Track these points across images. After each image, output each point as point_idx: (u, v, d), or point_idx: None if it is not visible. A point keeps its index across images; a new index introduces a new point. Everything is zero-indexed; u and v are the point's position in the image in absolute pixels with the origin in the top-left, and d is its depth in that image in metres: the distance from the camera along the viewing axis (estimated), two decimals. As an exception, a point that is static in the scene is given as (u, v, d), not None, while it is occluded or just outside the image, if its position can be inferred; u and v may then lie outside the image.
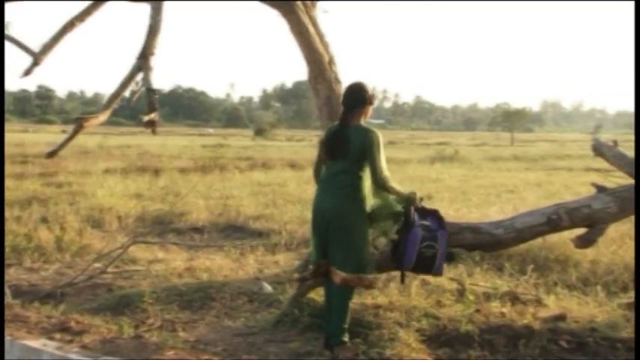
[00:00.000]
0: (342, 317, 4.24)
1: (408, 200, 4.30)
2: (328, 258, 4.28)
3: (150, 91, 6.32)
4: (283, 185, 14.75)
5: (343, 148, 4.23)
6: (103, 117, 6.67)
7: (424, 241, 4.22)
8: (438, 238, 4.26)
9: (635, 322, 4.23)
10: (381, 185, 4.22)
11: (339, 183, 4.24)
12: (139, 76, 6.51)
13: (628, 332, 4.44)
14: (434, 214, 4.41)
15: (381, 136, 4.27)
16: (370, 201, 4.29)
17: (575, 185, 14.46)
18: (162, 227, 9.53)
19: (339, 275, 4.17)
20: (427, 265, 4.26)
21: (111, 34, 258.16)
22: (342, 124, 4.32)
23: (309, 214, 10.11)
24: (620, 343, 4.27)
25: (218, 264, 6.94)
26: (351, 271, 4.16)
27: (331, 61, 6.64)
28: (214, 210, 10.70)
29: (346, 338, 4.22)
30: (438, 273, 4.37)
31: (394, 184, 4.27)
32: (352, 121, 4.31)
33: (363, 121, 4.36)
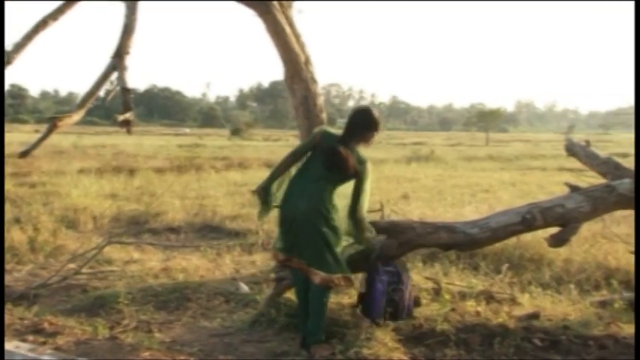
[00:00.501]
0: (320, 316, 4.26)
1: (369, 247, 4.44)
2: (297, 256, 4.28)
3: (125, 90, 6.27)
4: (259, 185, 14.69)
5: (344, 165, 4.27)
6: (77, 116, 6.60)
7: (390, 285, 4.42)
8: (401, 281, 4.47)
9: (635, 322, 4.27)
10: (356, 218, 4.33)
11: (318, 187, 4.27)
12: (114, 76, 6.45)
13: (600, 330, 4.51)
14: (396, 264, 4.61)
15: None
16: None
17: (549, 185, 14.64)
18: (137, 227, 9.46)
19: (318, 275, 4.18)
20: (395, 306, 4.41)
21: (85, 32, 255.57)
22: (343, 143, 4.34)
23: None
24: (592, 341, 4.33)
25: (194, 264, 6.90)
26: (330, 271, 4.19)
27: (307, 61, 6.64)
28: (190, 210, 10.65)
29: (323, 337, 4.23)
30: (408, 316, 4.53)
31: (367, 225, 4.40)
32: (352, 143, 4.36)
33: (361, 147, 4.41)
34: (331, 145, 4.32)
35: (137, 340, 4.45)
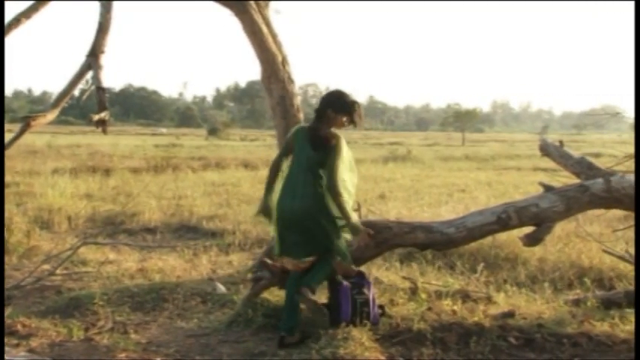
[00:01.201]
0: (318, 280, 4.38)
1: (353, 229, 4.40)
2: (292, 255, 4.37)
3: (100, 89, 6.22)
4: (237, 185, 14.70)
5: (324, 137, 4.33)
6: (51, 116, 6.53)
7: (354, 289, 4.55)
8: (365, 286, 4.61)
9: (635, 323, 4.32)
10: (333, 194, 4.29)
11: (307, 184, 4.31)
12: (89, 75, 6.40)
13: (573, 328, 4.56)
14: (359, 274, 4.73)
15: (345, 146, 4.34)
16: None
17: (524, 185, 14.79)
18: (113, 228, 9.39)
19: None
20: (362, 311, 4.50)
21: (60, 31, 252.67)
22: (313, 128, 4.40)
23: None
24: (566, 339, 4.39)
25: (171, 265, 6.87)
26: (340, 255, 4.37)
27: (284, 61, 6.64)
28: (167, 210, 10.59)
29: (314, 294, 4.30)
30: (375, 323, 4.56)
31: (347, 205, 4.33)
32: (322, 126, 4.38)
33: (334, 129, 4.39)
34: (310, 128, 4.41)
35: (113, 341, 4.41)
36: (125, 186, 13.91)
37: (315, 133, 4.37)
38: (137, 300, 5.47)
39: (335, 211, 4.32)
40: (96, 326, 4.79)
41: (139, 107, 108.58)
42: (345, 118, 4.38)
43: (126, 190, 13.00)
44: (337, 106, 4.36)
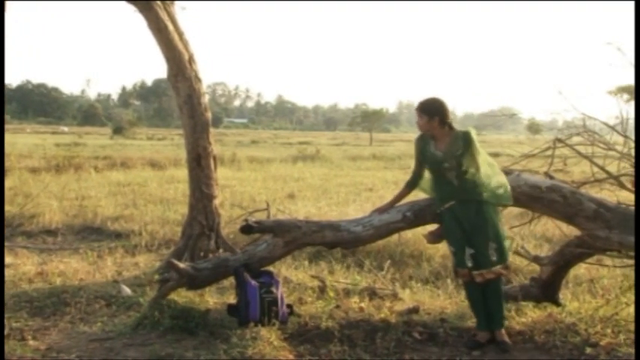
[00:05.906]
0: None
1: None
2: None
3: (-7, 85, 5.94)
4: (144, 185, 14.35)
5: None
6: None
7: (262, 288, 4.59)
8: (274, 285, 4.66)
9: (635, 323, 4.45)
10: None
11: None
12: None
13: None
14: (267, 274, 4.79)
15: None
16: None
17: (428, 184, 15.20)
18: (10, 230, 8.97)
19: None
20: (271, 311, 4.54)
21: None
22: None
23: (170, 215, 9.87)
24: (466, 333, 4.57)
25: (73, 267, 6.63)
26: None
27: (191, 59, 6.56)
28: (69, 211, 10.22)
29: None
30: (284, 322, 4.61)
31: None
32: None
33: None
34: None
35: (8, 349, 4.22)
36: (23, 186, 13.29)
37: None
38: (36, 305, 5.26)
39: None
40: (-10, 334, 4.56)
41: (38, 104, 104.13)
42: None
43: (24, 191, 12.41)
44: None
